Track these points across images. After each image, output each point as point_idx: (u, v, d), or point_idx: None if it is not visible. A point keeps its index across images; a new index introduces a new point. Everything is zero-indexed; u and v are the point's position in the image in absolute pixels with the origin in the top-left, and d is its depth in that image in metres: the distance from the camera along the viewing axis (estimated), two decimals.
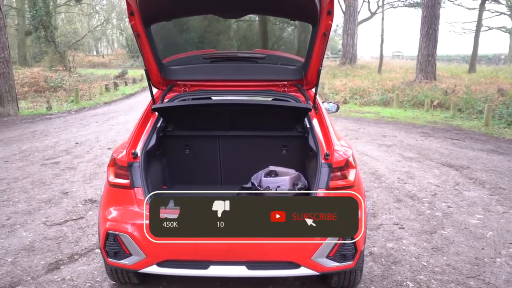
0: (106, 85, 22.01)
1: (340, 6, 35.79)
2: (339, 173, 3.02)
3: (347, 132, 10.86)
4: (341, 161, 3.01)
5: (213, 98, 3.74)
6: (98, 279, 3.69)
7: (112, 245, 3.00)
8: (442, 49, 40.82)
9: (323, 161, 3.03)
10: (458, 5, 30.81)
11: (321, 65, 3.33)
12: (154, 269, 3.00)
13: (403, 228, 4.77)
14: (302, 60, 3.48)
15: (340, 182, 3.00)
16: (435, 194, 5.93)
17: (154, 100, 3.58)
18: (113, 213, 3.05)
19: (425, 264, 3.95)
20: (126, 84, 24.93)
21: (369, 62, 37.11)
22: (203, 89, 3.70)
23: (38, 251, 4.22)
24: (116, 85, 22.67)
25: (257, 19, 3.80)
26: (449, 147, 9.11)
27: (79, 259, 4.06)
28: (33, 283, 3.63)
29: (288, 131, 3.73)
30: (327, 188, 2.97)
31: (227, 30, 3.98)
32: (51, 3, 28.98)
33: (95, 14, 41.52)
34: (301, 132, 3.67)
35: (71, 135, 10.41)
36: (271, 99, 3.60)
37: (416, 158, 8.03)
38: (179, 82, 3.67)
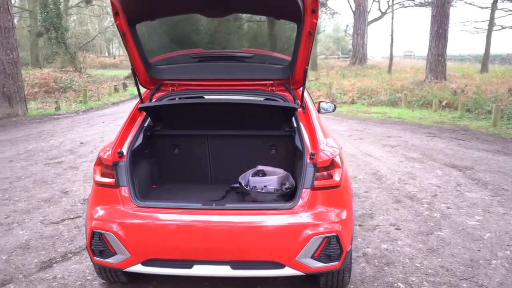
0: (115, 85, 22.18)
1: (350, 6, 35.66)
2: (324, 173, 2.99)
3: (351, 133, 10.79)
4: (326, 161, 2.99)
5: (201, 97, 3.73)
6: (88, 278, 3.71)
7: (98, 244, 3.02)
8: (454, 49, 40.41)
9: (308, 160, 3.01)
10: (470, 4, 30.36)
11: (308, 64, 3.31)
12: (139, 268, 3.01)
13: (400, 229, 4.71)
14: (289, 59, 3.46)
15: (325, 182, 2.98)
16: (436, 195, 5.86)
17: (141, 100, 3.59)
18: (99, 212, 3.07)
19: (418, 265, 3.90)
20: None
21: (379, 62, 36.88)
22: (191, 88, 3.69)
23: (33, 249, 4.26)
24: (125, 85, 22.82)
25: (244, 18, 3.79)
26: (454, 147, 8.99)
27: (72, 258, 4.09)
28: (24, 281, 3.67)
29: (276, 131, 3.72)
30: (312, 188, 2.95)
31: (215, 29, 3.98)
32: (61, 5, 29.33)
33: (106, 15, 41.81)
34: (288, 131, 3.65)
35: (77, 135, 10.51)
36: (258, 98, 3.59)
37: (420, 159, 7.94)
38: (166, 82, 3.67)
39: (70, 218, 5.06)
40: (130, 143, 3.25)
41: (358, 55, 33.85)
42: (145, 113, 3.52)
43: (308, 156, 3.02)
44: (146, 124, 3.53)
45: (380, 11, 37.96)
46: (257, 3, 3.17)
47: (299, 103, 3.44)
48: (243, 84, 3.62)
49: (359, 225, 4.78)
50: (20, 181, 6.63)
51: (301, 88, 3.46)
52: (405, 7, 36.34)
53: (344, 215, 3.00)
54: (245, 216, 2.93)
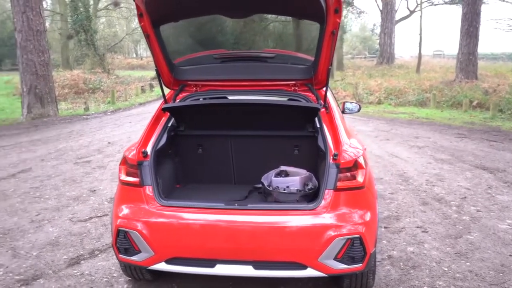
0: (142, 86, 22.57)
1: (377, 4, 35.20)
2: (347, 174, 2.96)
3: (378, 133, 10.63)
4: (350, 162, 2.95)
5: (224, 98, 3.75)
6: (114, 275, 3.78)
7: (123, 242, 3.07)
8: (486, 47, 39.38)
9: (331, 161, 2.98)
10: (504, 0, 29.49)
11: (331, 64, 3.27)
12: (162, 266, 3.04)
13: (427, 231, 4.61)
14: (312, 59, 3.43)
15: (349, 183, 2.94)
16: (465, 197, 5.71)
17: (165, 100, 3.63)
18: (124, 210, 3.12)
19: (445, 269, 3.80)
20: None
21: (407, 61, 36.23)
22: (214, 89, 3.71)
23: (62, 246, 4.37)
24: (151, 86, 23.18)
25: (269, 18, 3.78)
26: (486, 149, 8.74)
27: (99, 255, 4.17)
28: (53, 277, 3.76)
29: (299, 131, 3.70)
30: (335, 189, 2.92)
31: (240, 30, 3.98)
32: (91, 8, 30.03)
33: (133, 17, 42.55)
34: (311, 132, 3.62)
35: (105, 135, 10.73)
36: (281, 98, 3.57)
37: (448, 160, 7.76)
38: (190, 82, 3.70)
39: (98, 216, 5.16)
40: (154, 143, 3.29)
41: (385, 54, 33.38)
42: (169, 113, 3.56)
43: (331, 157, 2.99)
44: (170, 124, 3.57)
45: (409, 9, 37.34)
46: (279, 4, 3.15)
47: (322, 103, 3.41)
48: (265, 84, 3.61)
49: (385, 227, 4.70)
50: (50, 179, 6.81)
51: (324, 88, 3.43)
52: (435, 5, 35.64)
53: (367, 216, 2.95)
54: (267, 216, 2.92)
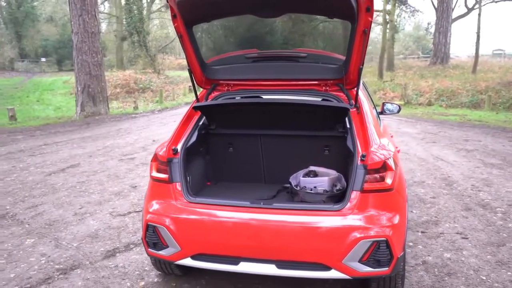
0: (190, 86, 23.04)
1: (432, 2, 33.96)
2: (376, 175, 2.88)
3: (424, 135, 10.27)
4: (378, 163, 2.87)
5: (255, 97, 3.76)
6: (146, 268, 3.90)
7: (152, 236, 3.16)
8: None
9: (359, 162, 2.92)
10: None
11: (363, 63, 3.19)
12: (188, 262, 3.10)
13: (467, 238, 4.40)
14: (343, 58, 3.37)
15: (376, 185, 2.87)
16: None
17: (197, 99, 3.69)
18: (154, 205, 3.21)
19: (484, 278, 3.61)
20: None
21: (464, 61, 34.66)
22: (246, 88, 3.73)
23: (100, 239, 4.56)
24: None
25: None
26: None
27: (134, 249, 4.31)
28: (90, 267, 3.93)
29: (329, 131, 3.64)
30: (362, 190, 2.85)
31: (269, 29, 3.97)
32: (144, 10, 31.08)
33: None
34: (341, 132, 3.56)
35: (151, 133, 11.08)
36: (312, 98, 3.53)
37: (499, 165, 7.36)
38: (221, 82, 3.74)
39: (136, 211, 5.34)
40: (184, 141, 3.36)
41: (439, 54, 32.10)
42: (200, 112, 3.62)
43: (359, 158, 2.93)
44: (201, 123, 3.63)
45: (467, 7, 35.71)
46: (310, 2, 3.12)
47: (353, 103, 3.34)
48: (296, 84, 3.59)
49: (422, 232, 4.54)
50: (96, 175, 7.12)
51: (355, 88, 3.36)
52: (496, 1, 33.84)
53: (395, 219, 2.87)
54: (291, 216, 2.90)
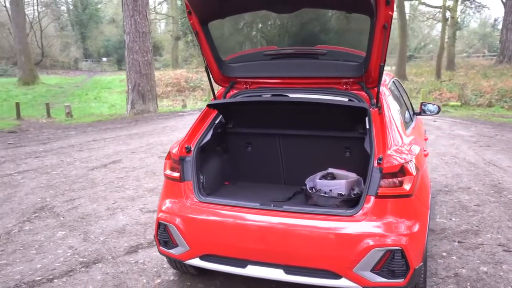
0: None
1: None
2: (393, 180, 2.67)
3: (478, 139, 9.62)
4: (395, 166, 2.66)
5: (271, 96, 3.62)
6: (164, 266, 3.89)
7: (163, 235, 3.14)
8: None
9: (375, 165, 2.72)
10: None
11: (384, 60, 2.96)
12: (197, 262, 3.04)
13: (509, 251, 4.02)
14: (363, 55, 3.15)
15: (393, 190, 2.66)
16: None
17: (214, 97, 3.62)
18: (166, 204, 3.18)
19: None
20: None
21: None
22: (264, 86, 3.61)
23: (127, 234, 4.62)
24: None
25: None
26: None
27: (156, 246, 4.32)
28: (111, 262, 3.98)
29: (349, 132, 3.44)
30: (376, 195, 2.66)
31: (286, 25, 3.82)
32: None
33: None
34: (362, 133, 3.35)
35: None
36: (332, 97, 3.33)
37: None
38: (239, 79, 3.64)
39: None
40: (198, 139, 3.31)
41: (506, 52, 30.02)
42: (216, 110, 3.54)
43: (375, 161, 2.74)
44: (217, 121, 3.55)
45: None
46: None
47: (375, 102, 3.12)
48: (316, 82, 3.42)
49: (459, 242, 4.21)
50: (134, 171, 7.28)
51: (377, 87, 3.13)
52: None
53: (414, 228, 2.65)
54: (301, 219, 2.76)
